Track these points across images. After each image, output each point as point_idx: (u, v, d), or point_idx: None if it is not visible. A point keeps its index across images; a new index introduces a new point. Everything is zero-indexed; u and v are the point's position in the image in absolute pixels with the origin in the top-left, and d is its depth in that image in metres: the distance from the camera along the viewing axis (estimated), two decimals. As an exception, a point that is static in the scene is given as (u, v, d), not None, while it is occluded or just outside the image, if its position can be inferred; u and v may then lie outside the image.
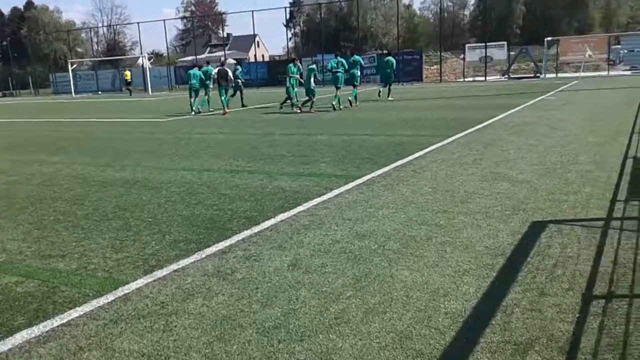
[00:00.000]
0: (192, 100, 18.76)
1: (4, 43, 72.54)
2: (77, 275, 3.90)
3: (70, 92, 45.53)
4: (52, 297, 3.53)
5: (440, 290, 3.35)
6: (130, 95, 38.78)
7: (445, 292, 3.32)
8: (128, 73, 41.61)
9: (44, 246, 4.62)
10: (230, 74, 18.81)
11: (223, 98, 18.43)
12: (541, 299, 3.15)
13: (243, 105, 20.50)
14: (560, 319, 2.91)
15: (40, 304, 3.42)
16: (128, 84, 40.53)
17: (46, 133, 14.56)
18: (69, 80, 46.51)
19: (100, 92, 46.84)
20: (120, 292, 3.55)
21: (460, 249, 4.05)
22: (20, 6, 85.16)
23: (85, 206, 5.96)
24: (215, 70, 19.17)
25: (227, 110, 18.21)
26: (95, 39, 75.75)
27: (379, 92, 21.12)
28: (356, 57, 19.77)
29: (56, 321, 3.17)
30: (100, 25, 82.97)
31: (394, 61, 21.38)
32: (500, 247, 4.07)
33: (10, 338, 3.01)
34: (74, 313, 3.27)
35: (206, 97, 19.31)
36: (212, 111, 18.83)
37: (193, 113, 18.46)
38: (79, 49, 78.76)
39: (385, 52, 28.24)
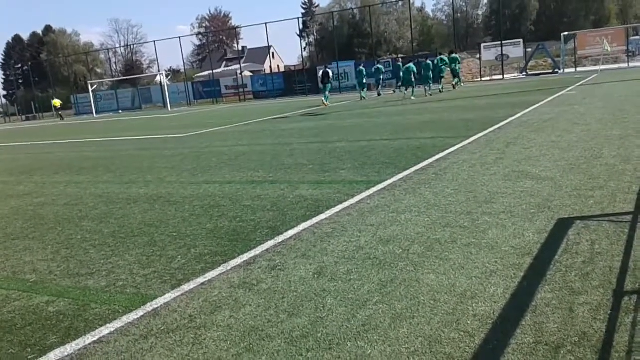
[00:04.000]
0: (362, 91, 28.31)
1: (25, 68, 74.25)
2: (106, 293, 3.95)
3: (92, 113, 46.33)
4: (83, 315, 3.59)
5: (468, 292, 3.33)
6: (62, 119, 43.48)
7: (473, 295, 3.29)
8: (57, 101, 45.91)
9: (73, 265, 4.69)
10: (331, 74, 25.95)
11: (327, 93, 25.20)
12: (571, 298, 3.11)
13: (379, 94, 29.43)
14: (592, 317, 2.86)
15: (71, 323, 3.48)
16: (58, 110, 45.30)
17: (70, 154, 14.82)
18: (90, 101, 47.35)
19: (120, 111, 47.60)
20: (149, 307, 3.59)
21: (486, 250, 4.01)
22: (39, 31, 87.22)
23: (111, 224, 6.05)
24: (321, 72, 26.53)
25: (327, 104, 24.23)
26: (113, 59, 77.18)
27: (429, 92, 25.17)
28: (455, 55, 27.96)
29: (88, 339, 3.22)
30: (117, 45, 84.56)
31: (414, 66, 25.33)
32: (526, 246, 4.02)
33: (43, 357, 3.06)
34: (104, 330, 3.31)
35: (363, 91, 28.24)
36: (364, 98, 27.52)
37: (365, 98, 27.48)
38: (99, 70, 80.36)
39: (401, 56, 33.10)
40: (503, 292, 3.29)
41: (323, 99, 24.98)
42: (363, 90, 28.37)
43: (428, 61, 26.16)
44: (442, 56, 26.98)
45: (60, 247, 5.32)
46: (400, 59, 32.04)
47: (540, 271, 3.54)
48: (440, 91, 25.69)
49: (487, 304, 3.15)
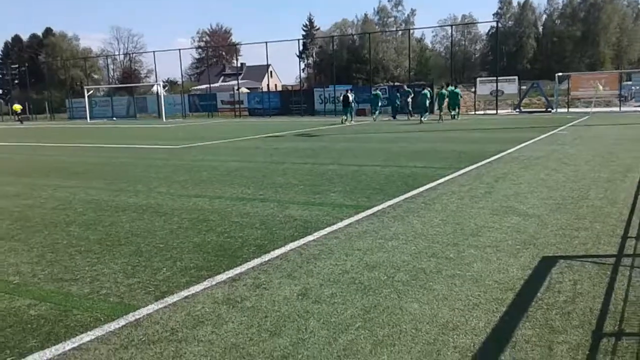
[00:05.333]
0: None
1: (22, 68, 74.06)
2: (89, 300, 3.94)
3: (86, 118, 46.28)
4: (64, 320, 3.57)
5: (450, 324, 3.36)
6: (22, 124, 43.86)
7: (455, 326, 3.32)
8: (18, 106, 47.49)
9: (57, 270, 4.67)
10: (350, 98, 29.15)
11: (348, 114, 29.05)
12: (551, 336, 3.15)
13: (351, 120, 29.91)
14: (570, 357, 2.90)
15: (52, 327, 3.46)
16: (19, 114, 46.71)
17: (61, 158, 14.77)
18: (85, 106, 47.35)
19: (115, 118, 47.50)
20: (132, 317, 3.59)
21: (470, 283, 4.05)
22: (39, 32, 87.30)
23: (98, 231, 6.03)
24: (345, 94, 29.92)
25: (349, 122, 28.13)
26: (111, 66, 77.19)
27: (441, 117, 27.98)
28: (457, 89, 29.99)
29: (68, 345, 3.21)
30: (116, 53, 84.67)
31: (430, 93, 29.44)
32: (510, 281, 4.06)
33: (22, 360, 3.05)
34: (85, 337, 3.30)
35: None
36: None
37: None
38: (96, 76, 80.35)
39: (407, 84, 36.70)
40: (484, 325, 3.32)
41: (344, 117, 28.81)
42: (375, 113, 31.32)
43: (443, 91, 29.36)
44: (455, 88, 30.17)
45: (45, 250, 5.30)
46: (415, 86, 34.82)
47: (522, 307, 3.58)
48: (452, 117, 28.82)
49: (468, 336, 3.18)
